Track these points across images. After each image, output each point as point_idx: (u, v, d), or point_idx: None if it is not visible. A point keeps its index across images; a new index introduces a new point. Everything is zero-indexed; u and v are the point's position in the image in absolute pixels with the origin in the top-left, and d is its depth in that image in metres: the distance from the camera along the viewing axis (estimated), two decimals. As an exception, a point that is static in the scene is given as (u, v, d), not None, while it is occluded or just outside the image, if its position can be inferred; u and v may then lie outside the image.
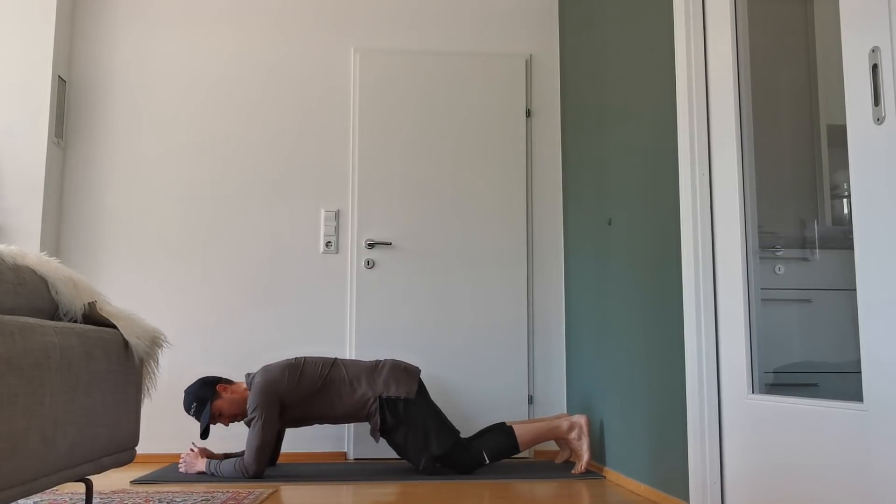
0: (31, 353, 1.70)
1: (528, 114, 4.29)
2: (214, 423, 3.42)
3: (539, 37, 4.38)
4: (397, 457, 3.78)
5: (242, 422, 3.61)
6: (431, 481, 3.27)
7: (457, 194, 4.18)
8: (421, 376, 4.03)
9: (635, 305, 3.07)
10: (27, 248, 3.69)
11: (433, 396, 4.03)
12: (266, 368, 3.40)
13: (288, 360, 3.45)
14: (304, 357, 3.48)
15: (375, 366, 3.51)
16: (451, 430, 3.43)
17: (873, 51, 1.72)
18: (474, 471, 3.44)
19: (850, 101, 1.81)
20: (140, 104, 4.13)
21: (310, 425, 3.54)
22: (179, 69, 4.17)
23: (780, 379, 2.35)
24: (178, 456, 3.85)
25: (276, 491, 3.02)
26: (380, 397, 3.39)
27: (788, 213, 2.55)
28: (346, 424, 3.95)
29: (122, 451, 2.29)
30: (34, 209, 3.81)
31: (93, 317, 2.18)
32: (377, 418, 3.37)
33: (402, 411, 3.39)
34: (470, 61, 4.28)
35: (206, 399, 3.35)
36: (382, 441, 3.88)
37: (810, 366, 2.37)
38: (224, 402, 3.39)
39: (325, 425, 3.93)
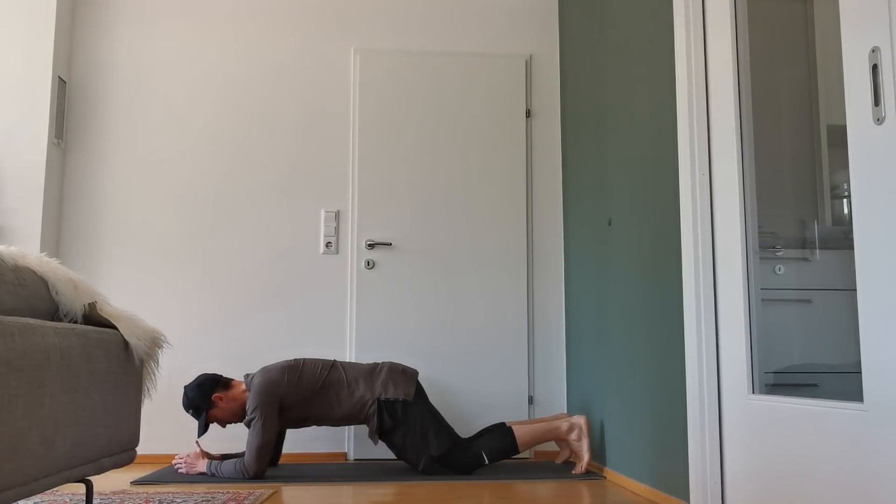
0: (32, 354, 1.70)
1: (528, 114, 4.29)
2: (211, 423, 3.45)
3: (539, 37, 4.38)
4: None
5: (242, 422, 3.60)
6: (431, 482, 3.27)
7: (457, 194, 4.18)
8: (420, 377, 4.03)
9: (635, 306, 3.07)
10: (27, 248, 3.68)
11: (433, 397, 4.02)
12: (265, 369, 3.40)
13: (287, 361, 3.45)
14: (304, 358, 3.48)
15: (374, 368, 3.51)
16: (450, 431, 3.43)
17: (873, 51, 1.72)
18: (474, 471, 3.44)
19: (850, 101, 1.81)
20: (140, 105, 4.13)
21: (309, 426, 3.54)
22: (180, 70, 4.17)
23: (780, 379, 2.35)
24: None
25: (276, 492, 3.02)
26: (378, 399, 3.39)
27: (788, 214, 2.55)
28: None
29: (122, 451, 2.28)
30: (34, 210, 3.81)
31: (93, 317, 2.18)
32: (375, 420, 3.37)
33: (400, 413, 3.39)
34: (470, 61, 4.27)
35: (201, 409, 3.35)
36: (382, 442, 3.88)
37: (810, 366, 2.37)
38: (219, 411, 3.39)
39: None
